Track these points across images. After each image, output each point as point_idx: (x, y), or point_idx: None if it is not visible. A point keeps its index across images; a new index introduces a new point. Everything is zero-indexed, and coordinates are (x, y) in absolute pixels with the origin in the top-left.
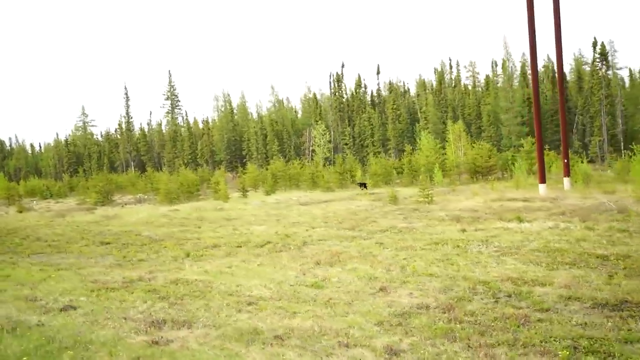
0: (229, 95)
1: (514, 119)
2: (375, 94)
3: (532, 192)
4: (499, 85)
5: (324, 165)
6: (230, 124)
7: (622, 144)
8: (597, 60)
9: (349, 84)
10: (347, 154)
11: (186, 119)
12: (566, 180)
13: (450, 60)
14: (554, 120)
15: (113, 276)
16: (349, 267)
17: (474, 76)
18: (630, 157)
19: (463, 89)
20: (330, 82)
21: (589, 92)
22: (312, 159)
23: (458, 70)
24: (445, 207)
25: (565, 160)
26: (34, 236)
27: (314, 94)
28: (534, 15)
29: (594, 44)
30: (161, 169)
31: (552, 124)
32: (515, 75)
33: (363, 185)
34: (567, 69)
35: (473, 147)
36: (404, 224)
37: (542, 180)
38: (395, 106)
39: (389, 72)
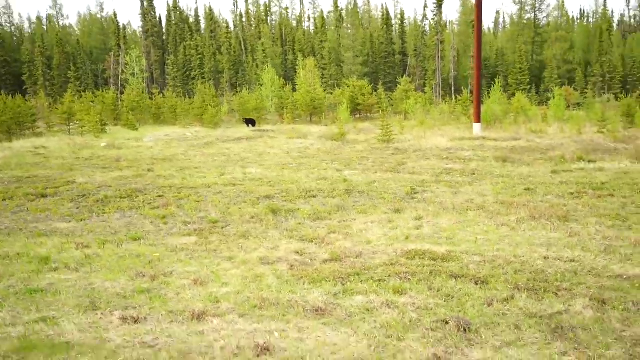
0: None
1: (356, 59)
2: (193, 20)
3: (462, 132)
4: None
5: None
6: None
7: (452, 88)
8: (434, 6)
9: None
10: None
11: None
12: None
13: None
14: (387, 62)
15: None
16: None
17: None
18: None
19: (287, 23)
20: (141, 1)
21: (421, 36)
22: (122, 90)
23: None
24: (422, 147)
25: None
26: None
27: (115, 13)
28: None
29: None
30: None
31: (386, 65)
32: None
33: (250, 121)
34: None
35: (347, 85)
36: (447, 165)
37: (478, 120)
38: (228, 35)
39: None
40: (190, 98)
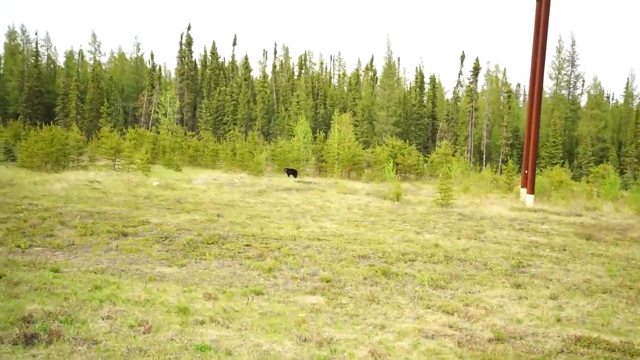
0: (35, 35)
1: (390, 118)
2: (228, 66)
3: (511, 201)
4: (365, 80)
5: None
6: (34, 70)
7: (484, 155)
8: (470, 73)
9: (198, 51)
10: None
11: None
12: (525, 191)
13: (274, 44)
14: (418, 125)
15: None
16: None
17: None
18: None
19: (319, 77)
20: (180, 44)
21: (454, 102)
22: (154, 129)
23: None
24: (485, 215)
25: (526, 172)
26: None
27: (152, 54)
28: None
29: (462, 58)
30: None
31: (417, 127)
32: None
33: (292, 172)
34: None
35: (385, 143)
36: (529, 237)
37: (531, 191)
38: (265, 84)
39: (246, 46)
40: (220, 142)
